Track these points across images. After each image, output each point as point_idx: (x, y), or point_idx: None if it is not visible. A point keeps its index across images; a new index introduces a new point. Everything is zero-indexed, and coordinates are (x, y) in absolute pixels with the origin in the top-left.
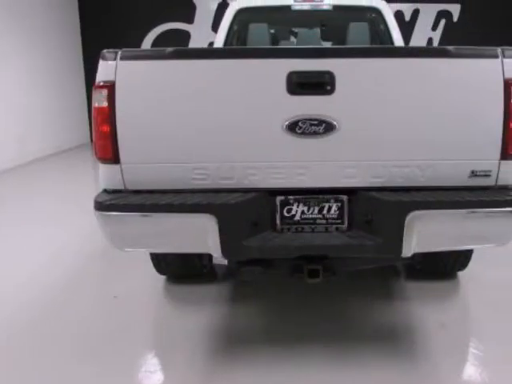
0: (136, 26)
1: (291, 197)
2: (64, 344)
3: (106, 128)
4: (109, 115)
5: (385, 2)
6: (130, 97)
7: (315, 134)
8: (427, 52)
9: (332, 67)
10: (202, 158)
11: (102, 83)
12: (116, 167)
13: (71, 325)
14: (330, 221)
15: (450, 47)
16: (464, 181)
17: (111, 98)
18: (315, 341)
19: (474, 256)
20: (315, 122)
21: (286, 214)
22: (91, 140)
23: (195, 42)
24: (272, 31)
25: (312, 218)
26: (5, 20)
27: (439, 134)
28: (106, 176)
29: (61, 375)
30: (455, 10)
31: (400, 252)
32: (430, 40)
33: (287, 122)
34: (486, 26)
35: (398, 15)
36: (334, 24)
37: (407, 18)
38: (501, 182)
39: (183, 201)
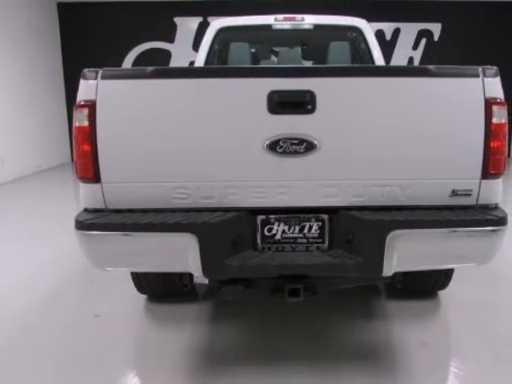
0: (117, 45)
1: (272, 216)
2: (43, 363)
3: (86, 147)
4: (90, 134)
5: (365, 21)
6: (110, 116)
7: (296, 153)
8: (408, 71)
9: (313, 86)
10: (183, 177)
11: (82, 102)
12: (97, 186)
13: (51, 343)
14: (310, 240)
15: (431, 66)
16: (445, 200)
17: (92, 117)
18: (297, 360)
19: (454, 275)
20: (296, 142)
21: (266, 233)
22: (72, 159)
23: (176, 61)
24: (253, 50)
25: (293, 238)
26: None
27: (420, 153)
28: (86, 195)
29: None
30: (436, 29)
31: (381, 271)
32: (410, 59)
33: (268, 142)
34: (467, 45)
35: (379, 34)
36: (314, 43)
37: (388, 37)
38: (481, 201)
39: (164, 220)
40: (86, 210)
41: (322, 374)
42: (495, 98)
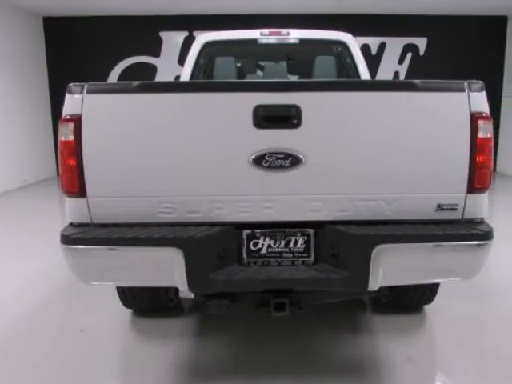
0: (103, 60)
1: (258, 230)
2: (28, 377)
3: (72, 162)
4: (75, 149)
5: (351, 36)
6: (96, 130)
7: (281, 167)
8: (393, 85)
9: (298, 101)
10: (169, 191)
11: (68, 117)
12: (82, 201)
13: (36, 358)
14: (296, 254)
15: (417, 81)
16: (430, 214)
17: (78, 131)
18: (282, 374)
19: (440, 289)
20: (281, 156)
21: (252, 248)
22: (58, 173)
23: (162, 76)
24: (238, 65)
25: (278, 252)
26: None
27: (406, 168)
28: (72, 209)
29: None
30: (421, 43)
31: (366, 286)
32: (396, 73)
33: (253, 156)
34: (453, 60)
35: (365, 49)
36: (300, 57)
37: (374, 51)
38: (467, 216)
39: (149, 234)
40: (71, 224)
41: None
42: (481, 113)
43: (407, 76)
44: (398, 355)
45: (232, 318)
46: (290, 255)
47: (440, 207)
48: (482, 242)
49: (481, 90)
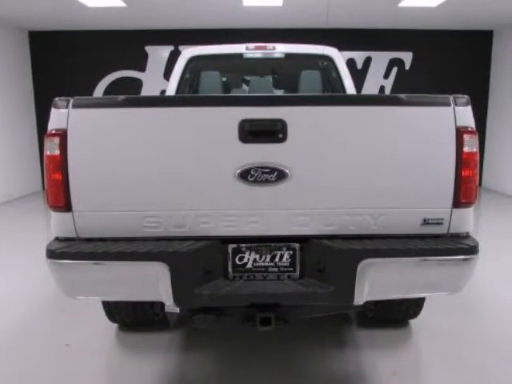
0: (88, 74)
1: (243, 245)
2: None
3: (57, 176)
4: (61, 163)
5: (337, 50)
6: (82, 145)
7: (267, 182)
8: (379, 100)
9: (284, 115)
10: (154, 205)
11: (54, 131)
12: (68, 215)
13: (21, 372)
14: (281, 269)
15: (402, 95)
16: (416, 229)
17: (63, 145)
18: None
19: (425, 303)
20: (267, 170)
21: (237, 262)
22: (43, 188)
23: (147, 90)
24: (224, 79)
25: (264, 266)
26: None
27: (391, 182)
28: (57, 224)
29: None
30: (407, 57)
31: (352, 300)
32: (382, 88)
33: (239, 170)
34: (438, 74)
35: (350, 63)
36: (286, 72)
37: (359, 65)
38: (453, 230)
39: (135, 249)
40: (57, 238)
41: None
42: (466, 127)
43: (393, 90)
44: (383, 369)
45: (218, 332)
46: (276, 270)
47: (426, 221)
48: (467, 256)
49: (466, 104)
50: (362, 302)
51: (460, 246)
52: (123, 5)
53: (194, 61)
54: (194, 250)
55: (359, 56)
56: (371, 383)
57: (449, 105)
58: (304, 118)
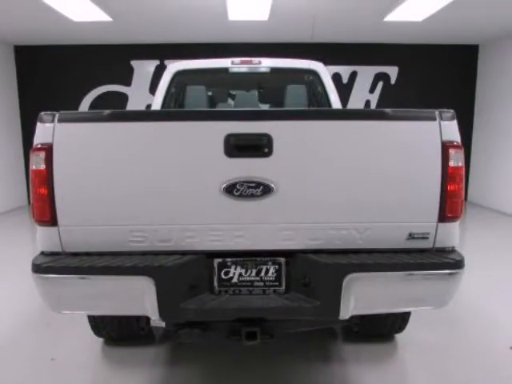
0: (74, 88)
1: (229, 259)
2: None
3: (43, 190)
4: (46, 177)
5: (322, 65)
6: (67, 159)
7: (253, 196)
8: (365, 114)
9: (269, 130)
10: (140, 220)
11: (39, 145)
12: (53, 229)
13: None
14: (267, 283)
15: (388, 110)
16: (402, 243)
17: (49, 160)
18: None
19: (411, 318)
20: (253, 185)
21: (223, 277)
22: (29, 202)
23: (133, 105)
24: (210, 93)
25: (250, 281)
26: None
27: (377, 197)
28: (43, 238)
29: None
30: (393, 72)
31: (338, 314)
32: (367, 102)
33: (225, 185)
34: (424, 88)
35: (336, 77)
36: (271, 86)
37: (345, 80)
38: (438, 245)
39: (121, 263)
40: (42, 253)
41: None
42: (452, 142)
43: (378, 105)
44: None
45: (203, 346)
46: (262, 284)
47: (411, 236)
48: (453, 270)
49: (452, 118)
50: (347, 317)
51: (446, 261)
52: (109, 19)
53: (179, 75)
54: (180, 265)
55: (345, 70)
56: None
57: (434, 119)
58: (290, 133)
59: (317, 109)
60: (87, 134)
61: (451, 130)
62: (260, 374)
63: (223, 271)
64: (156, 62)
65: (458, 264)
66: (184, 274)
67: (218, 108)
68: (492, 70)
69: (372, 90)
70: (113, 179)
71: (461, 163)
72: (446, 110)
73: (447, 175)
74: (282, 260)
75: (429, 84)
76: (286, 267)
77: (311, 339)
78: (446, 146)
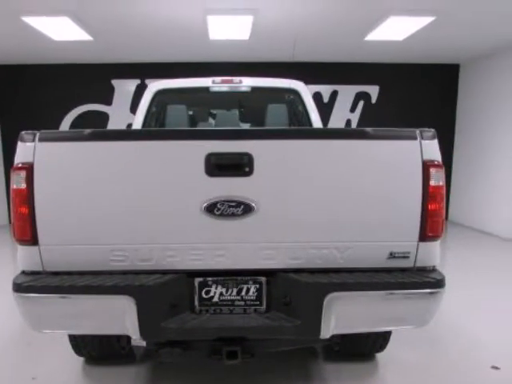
0: (54, 108)
1: (210, 278)
2: None
3: (24, 209)
4: (27, 197)
5: (303, 84)
6: (48, 178)
7: (233, 215)
8: (345, 133)
9: (250, 149)
10: (120, 239)
11: (20, 165)
12: (34, 249)
13: None
14: (248, 302)
15: (369, 129)
16: (383, 262)
17: (30, 179)
18: None
19: (392, 336)
20: (233, 204)
21: (204, 296)
22: (10, 221)
23: (114, 124)
24: (190, 113)
25: (230, 300)
26: None
27: (358, 216)
28: (24, 257)
29: None
30: (373, 91)
31: (318, 334)
32: (348, 121)
33: (205, 204)
34: (405, 108)
35: (317, 96)
36: (252, 105)
37: (326, 99)
38: (419, 264)
39: (101, 282)
40: (23, 272)
41: None
42: (433, 161)
43: (359, 124)
44: None
45: (184, 365)
46: (242, 303)
47: (392, 255)
48: (433, 290)
49: (433, 137)
50: (328, 336)
51: (426, 280)
52: (90, 38)
53: (160, 94)
54: (161, 284)
55: (326, 89)
56: None
57: (415, 138)
58: (270, 152)
59: (297, 128)
60: (68, 153)
61: (432, 149)
62: None
63: (204, 290)
64: (137, 81)
65: (439, 283)
66: (165, 293)
67: (199, 127)
68: (473, 89)
69: (353, 109)
70: (93, 198)
71: (441, 182)
72: (426, 129)
73: (428, 194)
74: (263, 279)
75: (410, 103)
76: (267, 286)
77: (292, 358)
78: (426, 165)
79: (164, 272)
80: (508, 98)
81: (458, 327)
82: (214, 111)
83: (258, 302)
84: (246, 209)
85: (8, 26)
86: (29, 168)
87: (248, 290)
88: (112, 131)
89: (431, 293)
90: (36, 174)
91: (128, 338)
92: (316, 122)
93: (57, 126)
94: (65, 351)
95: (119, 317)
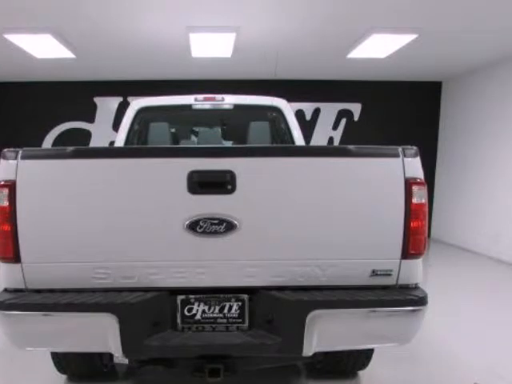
0: (37, 125)
1: (192, 296)
2: None
3: (6, 227)
4: (9, 214)
5: (285, 101)
6: (31, 196)
7: (216, 233)
8: (328, 151)
9: (232, 166)
10: (103, 257)
11: (2, 182)
12: (17, 266)
13: None
14: (230, 320)
15: (351, 146)
16: (365, 280)
17: (12, 197)
18: None
19: (374, 355)
20: (216, 222)
21: (186, 314)
22: None
23: (96, 141)
24: (173, 130)
25: (213, 318)
26: None
27: (340, 234)
28: (6, 275)
29: None
30: (356, 109)
31: (301, 351)
32: (330, 139)
33: (188, 222)
34: (387, 125)
35: (299, 114)
36: (235, 123)
37: (308, 116)
38: (401, 281)
39: (84, 300)
40: (6, 289)
41: None
42: (415, 178)
43: (342, 141)
44: None
45: (167, 383)
46: (225, 321)
47: (374, 273)
48: (416, 307)
49: (415, 155)
50: (310, 353)
51: (409, 298)
52: (72, 56)
53: (142, 112)
54: (143, 302)
55: (308, 107)
56: None
57: (398, 156)
58: (253, 170)
59: (280, 146)
60: (51, 170)
61: (414, 166)
62: None
63: (186, 308)
64: (119, 99)
65: (422, 301)
66: (147, 311)
67: (182, 145)
68: (455, 106)
69: (335, 127)
70: (76, 216)
71: (424, 200)
72: (409, 146)
73: (410, 212)
74: (245, 297)
75: (392, 121)
76: (250, 304)
77: (274, 376)
78: (409, 183)
79: (146, 289)
80: (490, 114)
81: (440, 344)
82: (197, 129)
83: (241, 320)
84: (229, 226)
85: None
86: (11, 186)
87: (230, 308)
88: (94, 149)
89: (413, 310)
90: (18, 192)
91: (111, 356)
92: (298, 139)
93: (39, 144)
94: (47, 368)
95: (102, 334)
